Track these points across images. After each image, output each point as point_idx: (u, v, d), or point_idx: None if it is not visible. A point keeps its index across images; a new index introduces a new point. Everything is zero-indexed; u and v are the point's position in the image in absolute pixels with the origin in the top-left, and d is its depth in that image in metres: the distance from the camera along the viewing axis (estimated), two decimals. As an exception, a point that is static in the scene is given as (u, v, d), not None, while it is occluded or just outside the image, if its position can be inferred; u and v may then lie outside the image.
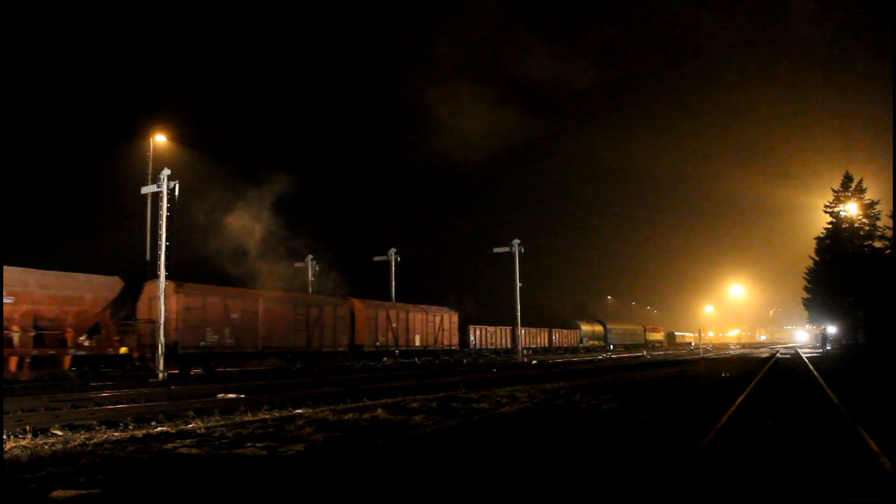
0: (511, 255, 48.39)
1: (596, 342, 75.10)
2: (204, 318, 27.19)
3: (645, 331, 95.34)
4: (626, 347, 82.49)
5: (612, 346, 78.64)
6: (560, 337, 65.28)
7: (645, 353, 64.94)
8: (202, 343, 27.05)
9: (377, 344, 36.78)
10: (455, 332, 44.79)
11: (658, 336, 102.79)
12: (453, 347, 44.21)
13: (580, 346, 69.73)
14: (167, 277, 25.50)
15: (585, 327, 73.66)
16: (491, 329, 52.14)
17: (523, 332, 52.84)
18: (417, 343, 40.35)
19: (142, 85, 70.22)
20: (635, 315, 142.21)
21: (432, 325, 42.16)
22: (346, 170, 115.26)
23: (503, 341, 53.15)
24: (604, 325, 79.75)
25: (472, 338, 48.25)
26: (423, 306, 42.99)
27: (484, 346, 50.21)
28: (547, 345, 61.07)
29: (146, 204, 32.77)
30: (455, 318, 45.26)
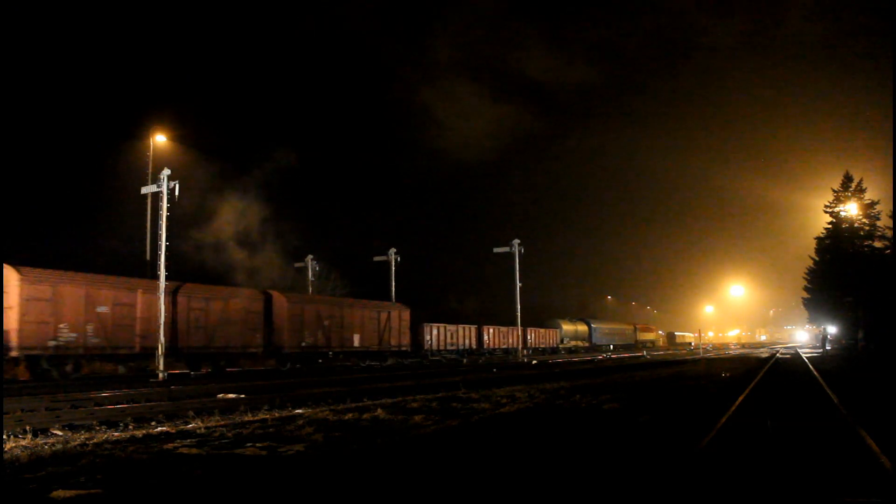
0: (511, 255, 48.40)
1: (579, 342, 70.41)
2: (56, 311, 22.33)
3: (635, 330, 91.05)
4: (615, 348, 77.88)
5: (611, 348, 75.30)
6: (536, 336, 59.87)
7: (645, 353, 64.83)
8: (51, 343, 22.10)
9: (302, 345, 31.98)
10: (406, 331, 39.81)
11: (650, 336, 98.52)
12: (404, 348, 39.48)
13: (560, 346, 64.67)
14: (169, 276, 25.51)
15: (567, 326, 68.31)
16: (451, 328, 46.84)
17: (493, 330, 50.23)
18: (356, 343, 35.49)
19: (142, 85, 70.23)
20: (635, 315, 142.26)
21: (375, 323, 37.05)
22: (346, 170, 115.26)
23: (467, 341, 48.28)
24: (588, 325, 74.54)
25: (427, 337, 43.26)
26: (366, 301, 39.12)
27: (443, 347, 45.10)
28: (518, 345, 54.97)
29: (146, 204, 32.78)
30: (406, 314, 40.44)
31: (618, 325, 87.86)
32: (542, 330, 61.21)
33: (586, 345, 71.40)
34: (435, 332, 44.92)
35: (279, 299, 31.52)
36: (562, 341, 65.09)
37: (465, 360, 41.89)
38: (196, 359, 27.24)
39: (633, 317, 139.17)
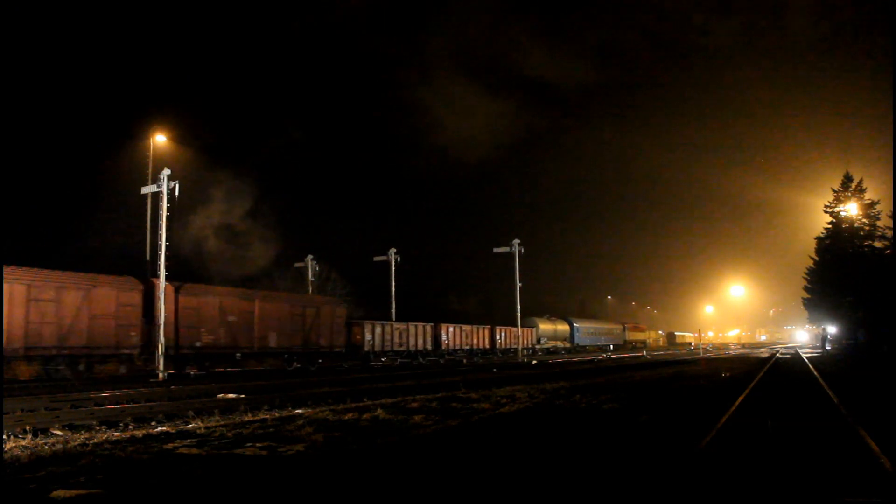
0: (511, 255, 48.39)
1: (559, 343, 64.70)
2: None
3: (624, 330, 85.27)
4: (601, 349, 72.86)
5: (610, 349, 71.67)
6: (507, 336, 53.56)
7: (645, 353, 64.77)
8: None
9: (198, 344, 26.85)
10: (341, 329, 35.11)
11: (641, 336, 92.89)
12: (337, 349, 34.61)
13: (537, 347, 58.86)
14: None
15: (545, 325, 62.12)
16: (400, 326, 41.04)
17: (453, 329, 45.86)
18: (272, 343, 30.60)
19: (142, 85, 70.24)
20: (635, 315, 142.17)
21: (300, 321, 32.18)
22: (346, 170, 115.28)
23: (419, 341, 42.26)
24: (570, 324, 68.60)
25: (367, 337, 37.92)
26: (286, 294, 35.00)
27: (389, 348, 39.41)
28: (487, 346, 50.43)
29: (146, 204, 32.78)
30: (341, 311, 35.73)
31: (604, 324, 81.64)
32: (514, 329, 53.80)
33: (567, 345, 66.08)
34: (378, 330, 38.92)
35: (166, 289, 25.67)
36: (538, 341, 59.32)
37: (415, 363, 38.61)
38: (46, 361, 21.78)
39: (632, 316, 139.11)
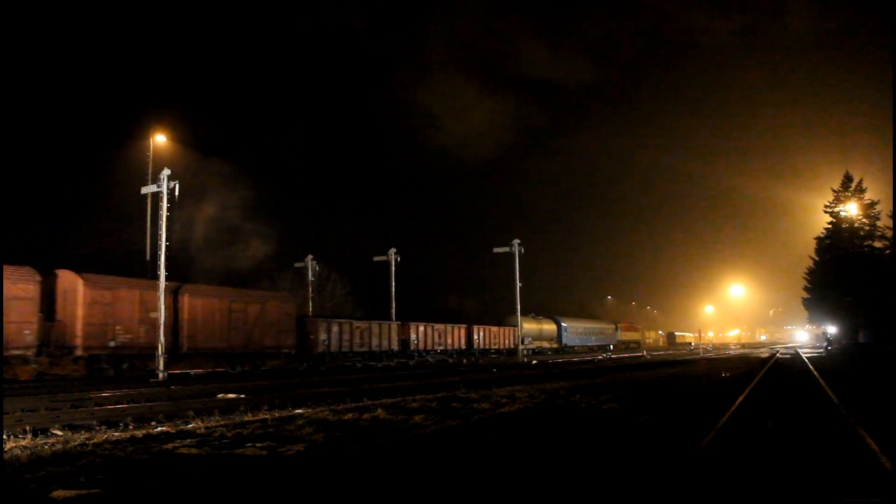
0: (511, 255, 48.41)
1: (545, 343, 60.78)
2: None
3: (617, 329, 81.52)
4: (591, 349, 69.78)
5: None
6: (486, 336, 49.98)
7: (645, 353, 64.74)
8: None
9: (111, 344, 24.03)
10: (290, 328, 31.99)
11: (635, 336, 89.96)
12: (286, 350, 31.59)
13: (520, 348, 54.87)
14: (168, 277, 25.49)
15: (529, 325, 57.65)
16: (360, 325, 37.59)
17: (424, 328, 42.42)
18: (205, 343, 27.51)
19: (142, 85, 70.26)
20: (635, 315, 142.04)
21: (242, 318, 28.86)
22: (346, 170, 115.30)
23: (384, 341, 38.78)
24: (557, 323, 64.57)
25: (322, 337, 34.75)
26: (226, 289, 30.91)
27: (348, 349, 36.12)
28: (463, 346, 46.87)
29: (146, 204, 32.79)
30: (290, 308, 32.60)
31: (595, 323, 77.66)
32: (494, 328, 51.47)
33: (554, 346, 62.24)
34: (335, 329, 35.28)
35: (71, 282, 23.44)
36: (522, 342, 55.22)
37: (380, 365, 35.95)
38: None
39: (632, 316, 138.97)
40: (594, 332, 73.62)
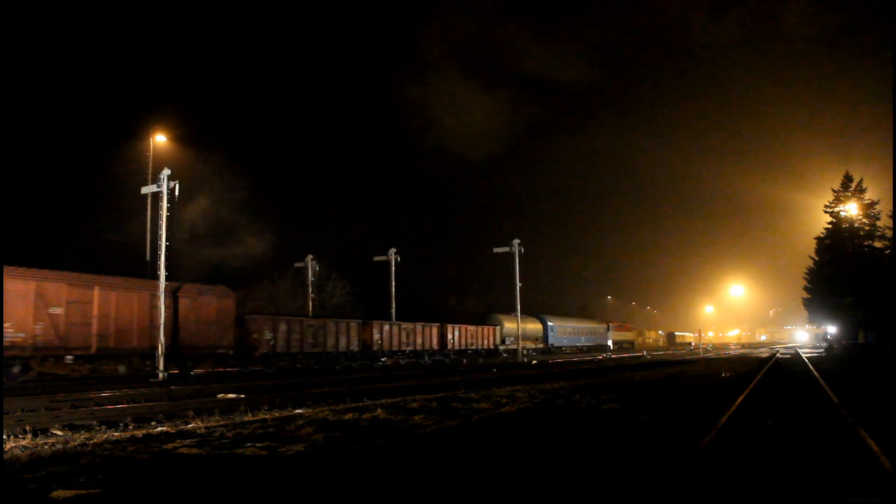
0: (511, 255, 48.42)
1: (529, 343, 57.15)
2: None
3: (608, 329, 78.21)
4: (580, 350, 67.03)
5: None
6: (463, 336, 46.57)
7: (645, 353, 64.70)
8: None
9: None
10: (228, 326, 28.32)
11: (628, 336, 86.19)
12: (222, 350, 28.08)
13: (501, 348, 52.38)
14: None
15: (511, 324, 53.92)
16: (314, 323, 34.27)
17: (389, 328, 39.28)
18: (121, 342, 24.05)
19: (142, 85, 70.26)
20: (635, 315, 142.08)
21: (169, 315, 25.15)
22: (346, 170, 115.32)
23: (342, 340, 35.11)
24: (542, 322, 61.16)
25: (267, 336, 31.39)
26: (147, 281, 26.20)
27: (298, 349, 32.68)
28: (436, 347, 43.47)
29: (146, 204, 32.81)
30: (228, 303, 28.56)
31: (584, 322, 73.75)
32: (471, 328, 48.13)
33: (540, 346, 58.84)
34: (283, 328, 31.65)
35: None
36: (502, 341, 52.94)
37: (338, 367, 32.89)
38: None
39: (632, 317, 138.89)
40: (584, 332, 70.36)
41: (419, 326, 42.17)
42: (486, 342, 50.01)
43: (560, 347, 63.17)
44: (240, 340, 29.61)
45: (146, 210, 32.72)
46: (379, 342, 38.20)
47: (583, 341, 68.76)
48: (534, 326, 59.05)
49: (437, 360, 41.80)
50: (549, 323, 62.05)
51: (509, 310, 51.15)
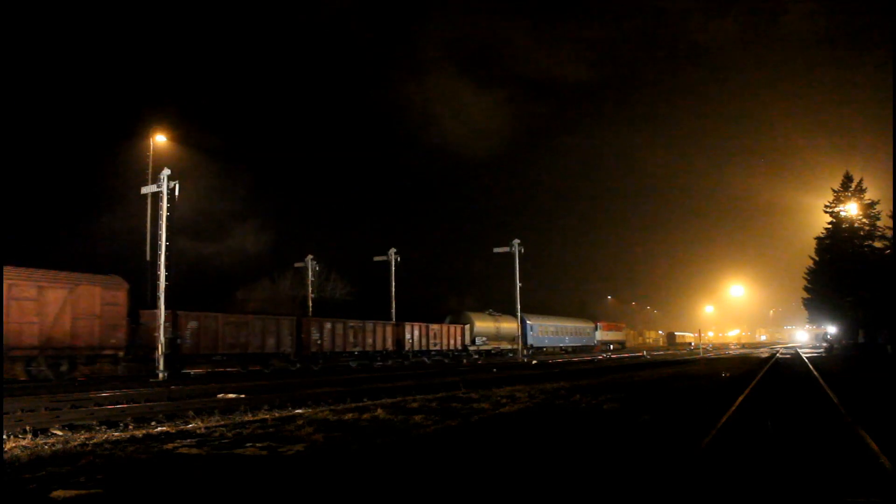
0: (511, 255, 48.43)
1: (504, 344, 52.51)
2: None
3: (596, 329, 73.16)
4: (563, 350, 62.46)
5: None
6: (423, 335, 41.62)
7: (645, 353, 64.68)
8: None
9: None
10: (119, 322, 24.19)
11: (618, 336, 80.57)
12: (109, 352, 23.98)
13: (471, 349, 47.43)
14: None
15: (483, 323, 50.12)
16: (234, 319, 29.96)
17: (331, 326, 34.58)
18: None
19: (142, 85, 70.26)
20: (635, 315, 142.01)
21: (36, 308, 21.55)
22: (346, 170, 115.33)
23: (270, 341, 30.69)
24: (522, 320, 54.51)
25: (187, 334, 27.59)
26: (10, 268, 21.02)
27: (212, 350, 28.85)
28: (391, 347, 38.91)
29: (146, 204, 32.82)
30: (117, 295, 24.28)
31: (569, 321, 68.01)
32: (434, 327, 43.19)
33: (517, 347, 52.99)
34: (192, 324, 27.16)
35: None
36: (473, 342, 47.90)
37: (267, 371, 28.87)
38: None
39: (632, 317, 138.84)
40: (568, 332, 64.90)
41: (369, 325, 37.50)
42: (452, 342, 44.93)
43: (541, 348, 57.88)
44: (133, 339, 25.41)
45: (146, 210, 32.77)
46: (318, 341, 33.40)
47: (567, 342, 63.73)
48: (510, 325, 53.28)
49: (386, 366, 36.41)
50: (529, 322, 56.41)
51: (464, 307, 49.24)
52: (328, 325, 34.53)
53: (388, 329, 39.11)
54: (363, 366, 35.16)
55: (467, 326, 47.93)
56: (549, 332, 60.60)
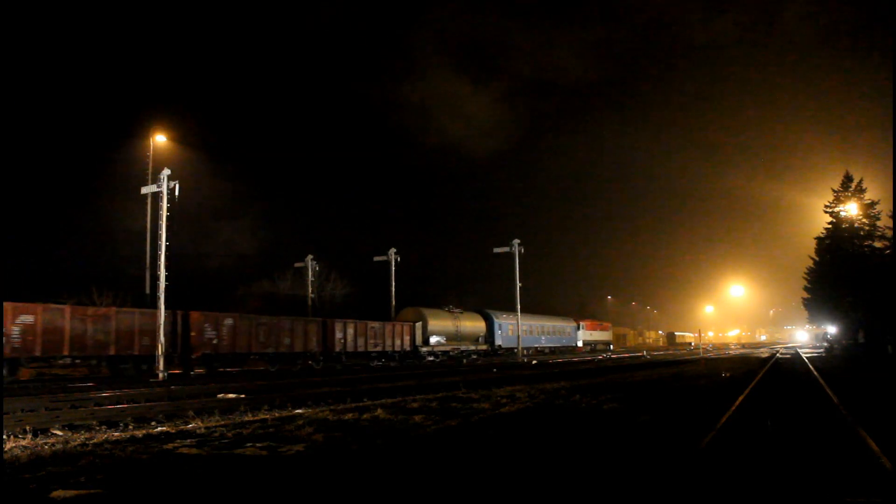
0: (511, 255, 48.42)
1: (466, 345, 46.82)
2: None
3: (578, 328, 66.43)
4: (539, 352, 56.05)
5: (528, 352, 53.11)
6: (359, 335, 36.54)
7: (645, 353, 64.63)
8: None
9: None
10: None
11: (603, 336, 73.25)
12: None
13: (423, 350, 42.06)
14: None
15: (438, 321, 44.33)
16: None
17: (233, 322, 29.69)
18: None
19: (142, 85, 70.25)
20: (635, 315, 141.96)
21: None
22: (346, 170, 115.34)
23: (142, 339, 25.78)
24: (488, 319, 50.47)
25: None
26: None
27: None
28: (315, 348, 34.14)
29: (146, 204, 32.81)
30: None
31: (546, 319, 60.29)
32: (374, 325, 38.31)
33: (483, 348, 48.53)
34: (47, 317, 22.98)
35: None
36: (425, 341, 42.51)
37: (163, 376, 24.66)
38: None
39: (632, 317, 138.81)
40: (545, 332, 58.38)
41: (285, 322, 32.45)
42: (398, 342, 39.63)
43: (511, 349, 51.71)
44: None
45: (146, 210, 32.74)
46: (214, 341, 29.19)
47: (543, 342, 57.05)
48: (473, 324, 48.11)
49: (317, 368, 32.51)
50: (496, 320, 50.93)
51: (414, 304, 44.76)
52: (229, 322, 29.88)
53: (312, 327, 33.76)
54: (363, 366, 35.28)
55: (418, 324, 42.18)
56: (522, 331, 53.54)
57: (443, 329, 44.57)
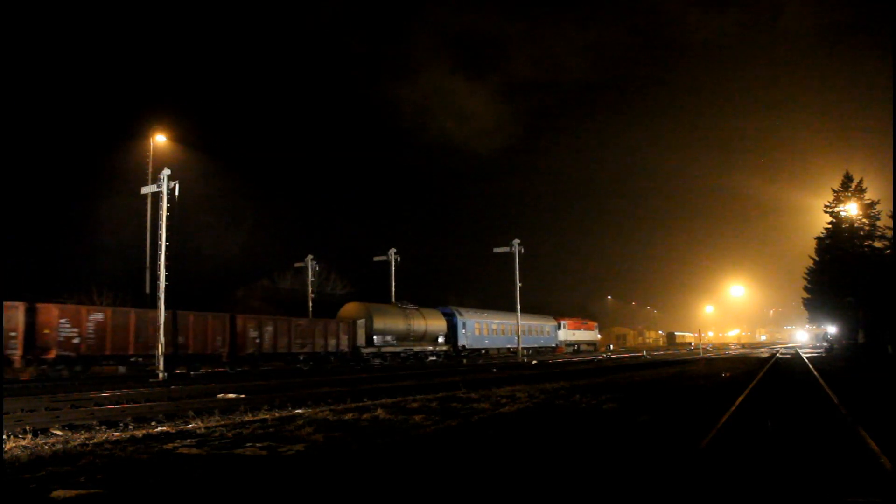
0: (511, 255, 48.40)
1: (423, 346, 41.50)
2: None
3: (559, 327, 60.82)
4: (511, 353, 50.37)
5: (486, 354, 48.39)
6: (282, 333, 31.68)
7: (645, 353, 64.60)
8: None
9: None
10: None
11: (587, 336, 67.52)
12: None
13: (364, 350, 36.57)
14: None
15: (386, 319, 38.81)
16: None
17: (103, 316, 24.24)
18: None
19: (142, 85, 70.24)
20: (635, 315, 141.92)
21: None
22: (346, 170, 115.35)
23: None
24: (451, 317, 45.07)
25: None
26: None
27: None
28: (221, 348, 28.96)
29: (146, 204, 32.81)
30: None
31: (523, 318, 50.97)
32: (300, 322, 33.88)
33: (444, 349, 43.32)
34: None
35: None
36: (368, 341, 36.94)
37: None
38: None
39: (632, 317, 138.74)
40: (522, 331, 51.01)
41: (192, 317, 27.83)
42: (332, 342, 34.81)
43: (478, 350, 47.34)
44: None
45: (146, 210, 32.74)
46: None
47: (516, 342, 50.19)
48: (433, 322, 42.68)
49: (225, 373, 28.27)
50: (461, 319, 45.87)
51: (353, 299, 41.34)
52: (97, 316, 24.72)
53: (219, 323, 29.02)
54: (363, 367, 34.62)
55: (360, 322, 36.87)
56: (491, 330, 49.39)
57: (391, 328, 39.01)
